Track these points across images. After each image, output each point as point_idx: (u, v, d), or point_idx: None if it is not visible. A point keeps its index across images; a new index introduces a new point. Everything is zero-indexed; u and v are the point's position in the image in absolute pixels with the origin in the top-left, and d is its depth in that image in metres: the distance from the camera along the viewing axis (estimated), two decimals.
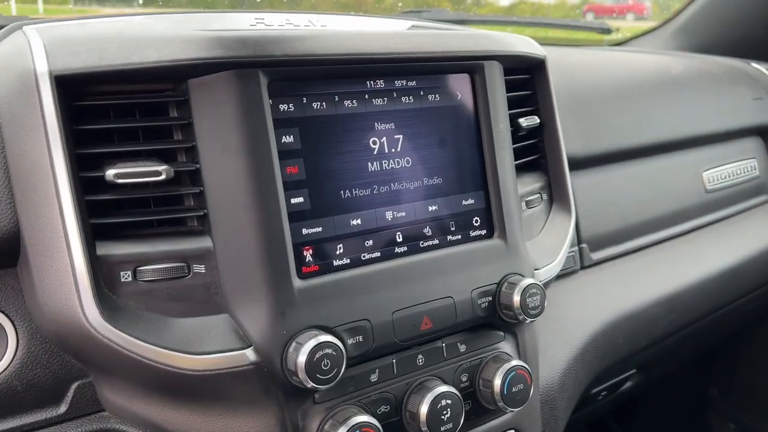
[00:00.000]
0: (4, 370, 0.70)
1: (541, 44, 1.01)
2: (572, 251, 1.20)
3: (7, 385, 0.70)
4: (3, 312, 0.71)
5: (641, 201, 1.36)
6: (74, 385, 0.74)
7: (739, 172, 1.60)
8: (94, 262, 0.67)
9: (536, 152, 1.05)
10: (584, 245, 1.23)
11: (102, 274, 0.68)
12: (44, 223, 0.67)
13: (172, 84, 0.71)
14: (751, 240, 1.54)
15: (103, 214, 0.69)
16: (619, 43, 2.13)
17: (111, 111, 0.71)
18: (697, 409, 2.12)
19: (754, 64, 1.79)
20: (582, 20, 2.24)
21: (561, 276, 1.19)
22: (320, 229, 0.77)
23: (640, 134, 1.36)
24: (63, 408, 0.73)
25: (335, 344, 0.71)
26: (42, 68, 0.66)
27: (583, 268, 1.23)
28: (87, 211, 0.68)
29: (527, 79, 1.02)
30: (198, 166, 0.72)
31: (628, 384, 1.51)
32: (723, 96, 1.61)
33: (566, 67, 1.35)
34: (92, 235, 0.68)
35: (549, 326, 1.07)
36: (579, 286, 1.19)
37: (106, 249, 0.69)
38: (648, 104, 1.43)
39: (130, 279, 0.70)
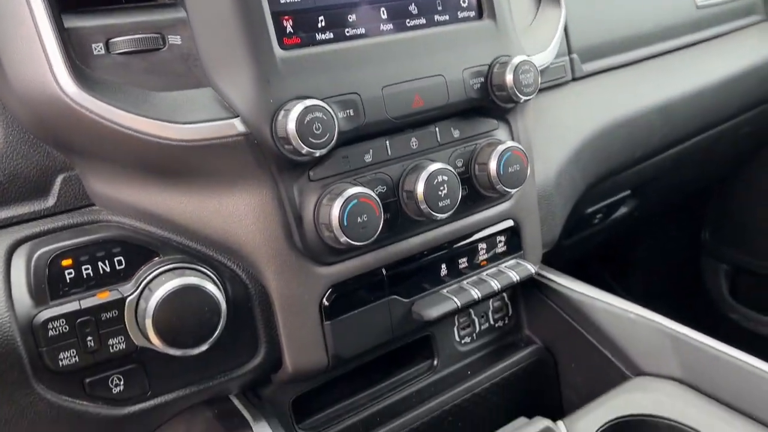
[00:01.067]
0: None
1: None
2: (563, 61, 1.17)
3: None
4: None
5: (631, 14, 1.32)
6: (60, 178, 0.71)
7: None
8: (63, 33, 0.63)
9: None
10: (574, 55, 1.19)
11: (73, 46, 0.65)
12: None
13: None
14: (747, 54, 1.51)
15: None
16: None
17: None
18: (690, 256, 2.16)
19: None
20: None
21: (553, 86, 1.16)
22: None
23: None
24: (51, 201, 0.71)
25: (324, 107, 0.69)
26: None
27: (574, 79, 1.19)
28: None
29: None
30: None
31: (623, 209, 1.51)
32: None
33: None
34: (58, 8, 0.64)
35: (543, 130, 1.05)
36: (572, 95, 1.17)
37: (73, 22, 0.65)
38: None
39: (103, 52, 0.66)
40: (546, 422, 0.82)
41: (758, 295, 2.02)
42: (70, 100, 0.63)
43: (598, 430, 0.82)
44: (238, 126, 0.68)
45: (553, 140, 1.07)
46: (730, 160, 1.86)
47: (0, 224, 0.68)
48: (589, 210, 1.35)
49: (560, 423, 0.83)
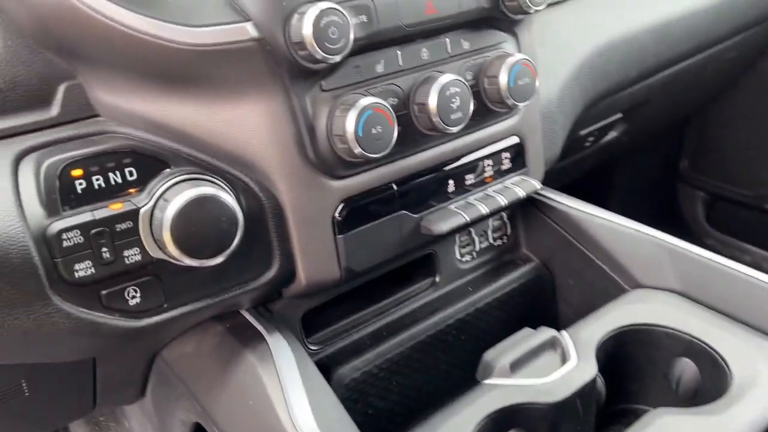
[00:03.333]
0: None
1: None
2: None
3: None
4: None
5: None
6: (62, 86, 0.68)
7: None
8: None
9: None
10: None
11: None
12: None
13: None
14: None
15: None
16: None
17: None
18: (668, 182, 2.20)
19: None
20: None
21: (551, 4, 1.14)
22: None
23: None
24: (54, 111, 0.68)
25: (339, 11, 0.66)
26: None
27: None
28: None
29: None
30: None
31: (613, 133, 1.52)
32: None
33: None
34: None
35: (545, 47, 1.04)
36: (571, 12, 1.15)
37: None
38: None
39: None
40: (551, 332, 0.84)
41: (735, 221, 2.08)
42: (77, 0, 0.59)
43: (600, 339, 0.84)
44: (250, 30, 0.66)
45: (555, 56, 1.06)
46: (713, 86, 1.87)
47: (3, 134, 0.66)
48: (583, 132, 1.35)
49: (564, 333, 0.85)
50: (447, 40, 0.82)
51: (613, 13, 1.21)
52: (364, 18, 0.72)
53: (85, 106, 0.70)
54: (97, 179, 0.66)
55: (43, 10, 0.62)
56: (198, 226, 0.65)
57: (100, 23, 0.61)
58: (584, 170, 1.67)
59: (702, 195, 2.16)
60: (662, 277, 0.94)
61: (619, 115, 1.45)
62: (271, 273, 0.76)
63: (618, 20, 1.20)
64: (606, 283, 0.99)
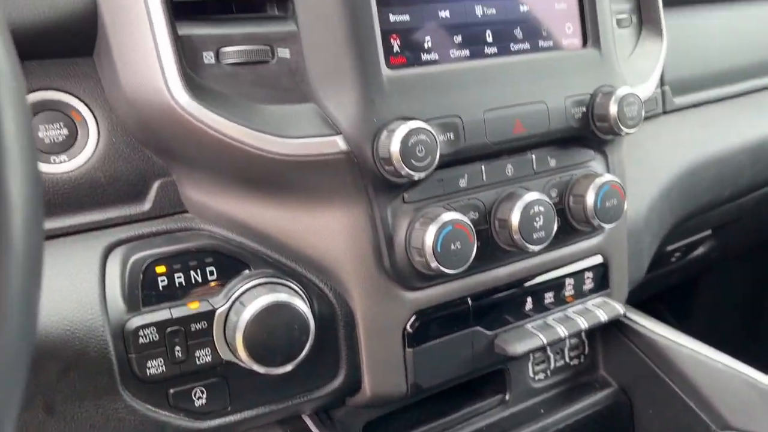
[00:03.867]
0: (87, 161, 0.68)
1: None
2: (655, 93, 1.13)
3: (91, 177, 0.68)
4: (83, 102, 0.68)
5: (725, 48, 1.27)
6: (157, 183, 0.71)
7: None
8: (177, 40, 0.63)
9: None
10: (666, 87, 1.15)
11: (184, 54, 0.64)
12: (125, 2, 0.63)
13: None
14: None
15: None
16: None
17: None
18: (759, 297, 2.07)
19: None
20: None
21: (644, 119, 1.12)
22: (407, 17, 0.71)
23: None
24: (147, 205, 0.71)
25: (428, 130, 0.67)
26: None
27: (665, 112, 1.15)
28: None
29: None
30: None
31: (701, 249, 1.45)
32: None
33: None
34: (173, 15, 0.64)
35: (634, 165, 1.01)
36: (663, 129, 1.12)
37: (187, 29, 0.65)
38: None
39: (213, 61, 0.66)
40: None
41: None
42: (180, 109, 0.63)
43: None
44: (340, 143, 0.67)
45: (644, 175, 1.03)
46: None
47: (97, 226, 0.69)
48: (669, 248, 1.30)
49: None
50: (533, 156, 0.81)
51: (706, 131, 1.17)
52: (451, 135, 0.72)
53: (175, 202, 0.73)
54: (179, 277, 0.67)
55: (149, 113, 0.65)
56: (270, 334, 0.65)
57: (200, 130, 0.63)
58: (669, 285, 1.60)
59: None
60: (753, 421, 0.86)
61: (708, 232, 1.39)
62: (336, 382, 0.75)
63: (711, 138, 1.17)
64: (691, 419, 0.92)
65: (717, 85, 1.25)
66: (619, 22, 0.94)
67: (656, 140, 1.10)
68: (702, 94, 1.22)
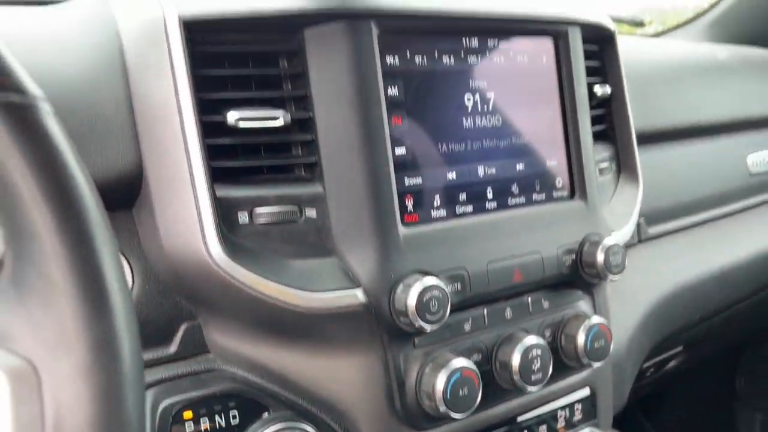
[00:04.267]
0: None
1: None
2: None
3: None
4: (121, 253, 0.74)
5: (691, 180, 1.39)
6: (183, 326, 0.76)
7: None
8: (215, 202, 0.70)
9: (605, 123, 1.08)
10: (642, 219, 1.25)
11: (221, 215, 0.71)
12: (170, 164, 0.70)
13: (286, 35, 0.74)
14: None
15: (221, 157, 0.71)
16: (652, 36, 2.16)
17: (225, 59, 0.73)
18: (724, 401, 2.14)
19: None
20: (617, 14, 2.27)
21: None
22: (420, 180, 0.79)
23: (692, 115, 1.39)
24: (173, 348, 0.75)
25: (441, 287, 0.74)
26: (171, 14, 0.68)
27: (640, 241, 1.25)
28: (206, 154, 0.70)
29: (596, 50, 1.05)
30: (311, 114, 0.74)
31: (673, 363, 1.53)
32: (766, 83, 1.64)
33: None
34: (212, 177, 0.70)
35: (616, 296, 1.09)
36: (639, 258, 1.21)
37: (224, 191, 0.71)
38: (698, 88, 1.45)
39: (247, 221, 0.72)
40: None
41: None
42: (216, 266, 0.68)
43: None
44: (359, 296, 0.73)
45: (625, 307, 1.11)
46: None
47: None
48: (645, 365, 1.37)
49: None
50: (529, 299, 0.88)
51: (678, 260, 1.27)
52: (458, 286, 0.79)
53: (199, 343, 0.77)
54: (204, 421, 0.71)
55: (186, 266, 0.70)
56: None
57: (233, 286, 0.69)
58: (640, 397, 1.66)
59: (759, 417, 2.09)
60: None
61: (679, 348, 1.47)
62: None
63: (683, 266, 1.26)
64: None
65: (685, 215, 1.36)
66: (601, 171, 1.04)
67: (634, 270, 1.19)
68: (673, 223, 1.33)
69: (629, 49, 1.49)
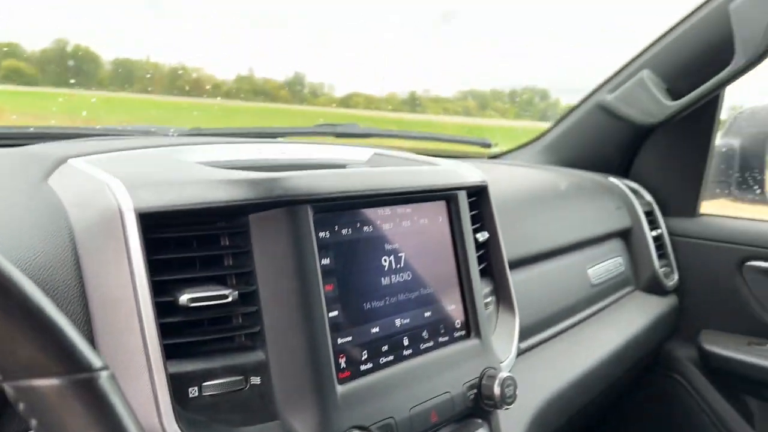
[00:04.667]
0: None
1: (431, 155, 1.25)
2: None
3: None
4: None
5: (547, 297, 1.61)
6: None
7: (611, 268, 1.93)
8: (169, 379, 0.73)
9: (484, 261, 1.24)
10: None
11: (173, 391, 0.74)
12: (125, 347, 0.73)
13: (232, 220, 0.81)
14: (626, 326, 1.85)
15: (172, 334, 0.76)
16: (497, 155, 2.47)
17: (174, 242, 0.79)
18: None
19: (611, 179, 2.17)
20: (466, 136, 2.57)
21: None
22: (350, 338, 0.88)
23: (539, 241, 1.62)
24: None
25: None
26: (128, 206, 0.74)
27: (517, 356, 1.42)
28: (160, 333, 0.74)
29: (474, 201, 1.23)
30: (255, 287, 0.81)
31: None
32: (596, 205, 1.95)
33: None
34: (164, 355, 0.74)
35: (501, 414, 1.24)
36: (516, 373, 1.38)
37: (176, 367, 0.75)
38: (543, 214, 1.71)
39: (196, 394, 0.76)
40: None
41: None
42: None
43: None
44: None
45: (510, 419, 1.25)
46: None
47: None
48: None
49: None
50: None
51: (545, 372, 1.45)
52: None
53: None
54: None
55: None
56: None
57: None
58: None
59: None
60: None
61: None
62: None
63: (551, 378, 1.45)
64: None
65: (546, 328, 1.57)
66: (486, 305, 1.19)
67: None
68: (537, 336, 1.53)
69: (497, 178, 1.73)
